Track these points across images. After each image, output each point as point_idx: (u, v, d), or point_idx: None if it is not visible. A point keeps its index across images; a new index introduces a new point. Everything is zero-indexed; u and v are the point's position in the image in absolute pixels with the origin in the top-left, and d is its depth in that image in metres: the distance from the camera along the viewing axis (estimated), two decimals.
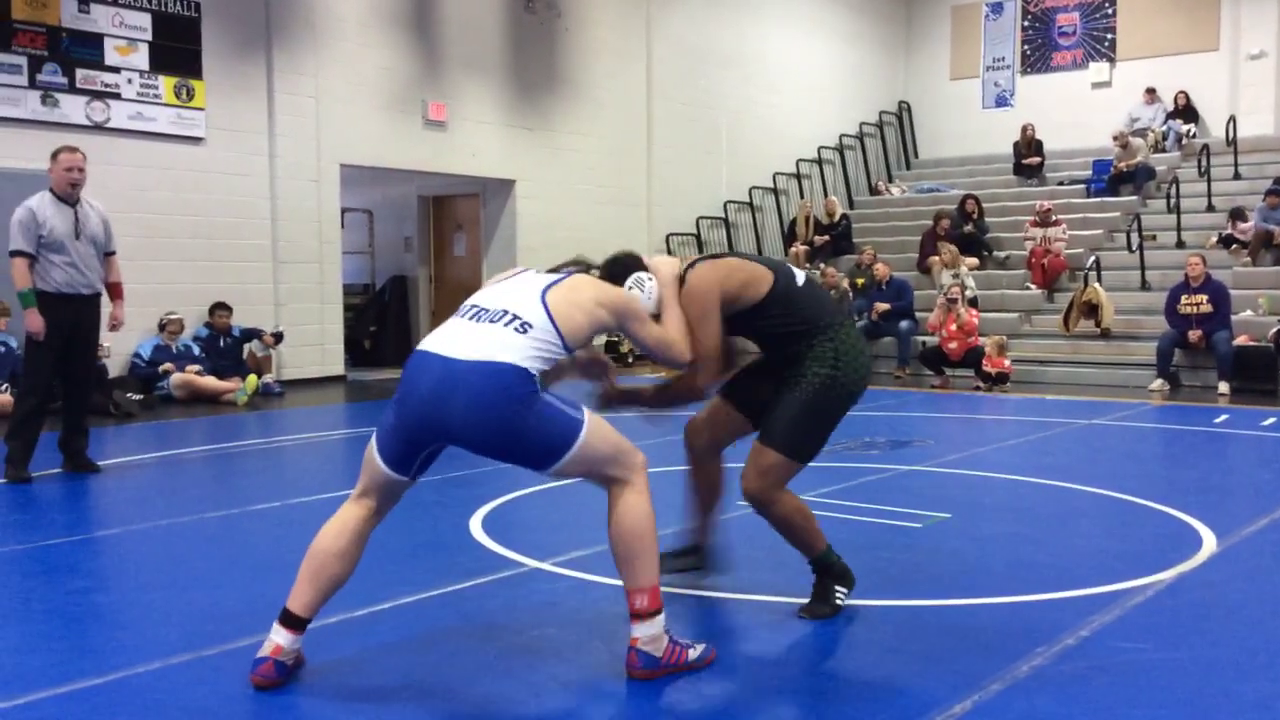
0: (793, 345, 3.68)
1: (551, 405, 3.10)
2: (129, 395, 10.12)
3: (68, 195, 6.61)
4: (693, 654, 3.26)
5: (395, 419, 3.17)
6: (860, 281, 14.05)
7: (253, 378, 11.08)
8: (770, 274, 3.71)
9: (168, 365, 10.73)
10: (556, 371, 3.37)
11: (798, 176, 18.11)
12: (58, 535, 5.22)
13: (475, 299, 3.29)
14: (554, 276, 3.35)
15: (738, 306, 3.66)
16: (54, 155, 6.66)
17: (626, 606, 3.19)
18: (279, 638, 3.15)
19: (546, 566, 4.46)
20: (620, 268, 3.61)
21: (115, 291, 6.95)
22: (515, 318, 3.14)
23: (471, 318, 3.19)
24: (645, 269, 3.64)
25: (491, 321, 3.14)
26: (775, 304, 3.66)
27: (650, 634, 3.17)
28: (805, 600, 3.85)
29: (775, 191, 17.72)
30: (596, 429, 3.14)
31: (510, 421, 3.02)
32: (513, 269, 3.53)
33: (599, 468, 3.17)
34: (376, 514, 3.30)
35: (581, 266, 3.57)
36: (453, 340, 3.13)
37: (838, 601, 3.78)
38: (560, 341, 3.16)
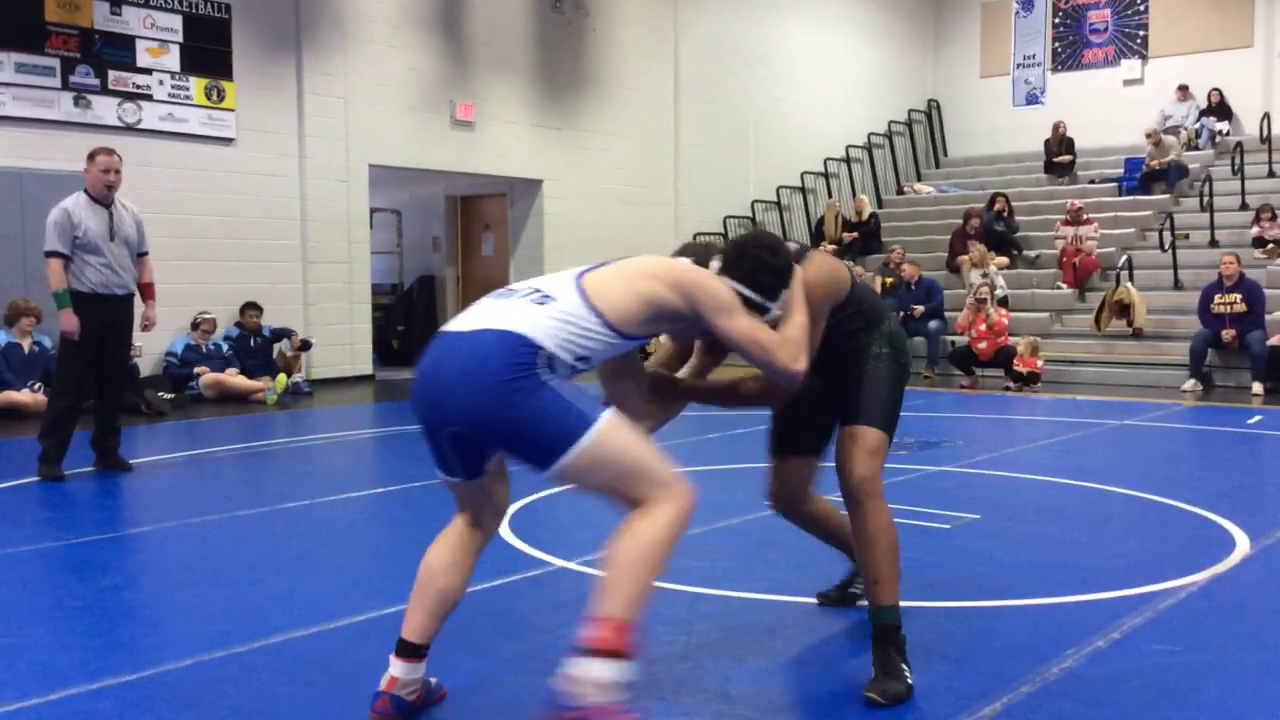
0: (851, 342, 3.42)
1: (561, 389, 2.64)
2: (160, 394, 10.22)
3: (103, 196, 6.68)
4: None
5: (412, 409, 2.85)
6: (889, 281, 13.99)
7: (282, 377, 11.16)
8: (848, 271, 3.53)
9: (203, 369, 10.81)
10: (664, 408, 3.17)
11: (826, 175, 18.05)
12: (90, 533, 5.27)
13: (511, 285, 2.99)
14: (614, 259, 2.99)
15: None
16: (91, 156, 6.72)
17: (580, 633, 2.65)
18: (394, 669, 2.88)
19: (574, 566, 4.46)
20: (740, 258, 3.07)
21: (148, 292, 7.01)
22: (538, 291, 2.79)
23: (498, 296, 2.87)
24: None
25: (510, 296, 2.83)
26: (851, 303, 3.40)
27: (595, 678, 2.51)
28: (829, 589, 3.87)
29: (803, 190, 17.68)
30: (616, 434, 2.65)
31: (499, 398, 2.58)
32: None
33: (619, 485, 2.67)
34: (483, 524, 2.98)
35: (679, 254, 3.16)
36: (469, 317, 2.80)
37: (909, 680, 3.12)
38: (598, 319, 2.72)
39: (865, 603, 3.67)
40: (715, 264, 3.06)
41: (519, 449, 2.67)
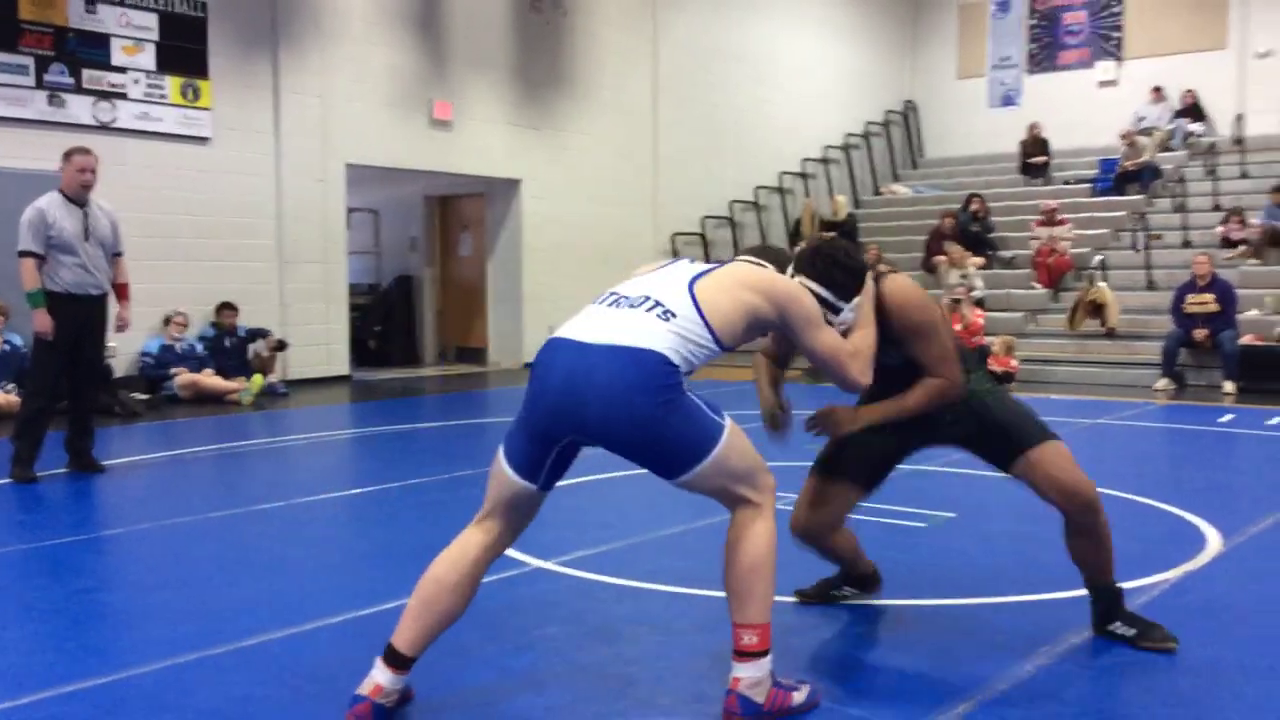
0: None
1: (695, 404, 2.79)
2: (134, 395, 10.15)
3: (78, 196, 6.63)
4: (797, 697, 2.93)
5: (525, 413, 2.86)
6: None
7: (258, 378, 11.10)
8: None
9: (181, 370, 10.73)
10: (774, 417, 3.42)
11: (804, 176, 18.10)
12: (63, 535, 5.24)
13: (617, 287, 2.99)
14: (707, 265, 3.05)
15: None
16: (67, 156, 6.66)
17: (732, 641, 2.89)
18: (380, 676, 2.85)
19: (549, 566, 4.46)
20: (815, 256, 3.24)
21: (122, 293, 6.96)
22: (658, 304, 2.82)
23: (610, 304, 2.89)
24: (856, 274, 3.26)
25: (632, 307, 2.84)
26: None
27: (755, 677, 2.84)
28: (807, 587, 3.90)
29: (781, 191, 17.71)
30: (736, 439, 2.84)
31: (650, 415, 2.70)
32: (664, 260, 3.25)
33: (731, 484, 2.85)
34: (501, 539, 2.97)
35: (757, 256, 3.23)
36: (590, 325, 2.82)
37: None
38: (709, 334, 2.83)
39: (847, 600, 3.77)
40: (789, 270, 3.19)
41: (652, 460, 2.81)
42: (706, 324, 2.82)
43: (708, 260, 14.99)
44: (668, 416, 2.71)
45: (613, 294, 2.94)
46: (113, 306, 6.91)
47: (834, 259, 3.21)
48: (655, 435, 2.72)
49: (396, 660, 2.86)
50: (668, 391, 2.72)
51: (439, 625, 2.90)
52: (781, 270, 3.17)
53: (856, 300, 3.22)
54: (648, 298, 2.85)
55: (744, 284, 2.92)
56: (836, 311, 3.20)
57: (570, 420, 2.76)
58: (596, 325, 2.81)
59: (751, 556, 2.85)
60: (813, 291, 3.15)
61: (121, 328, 7.05)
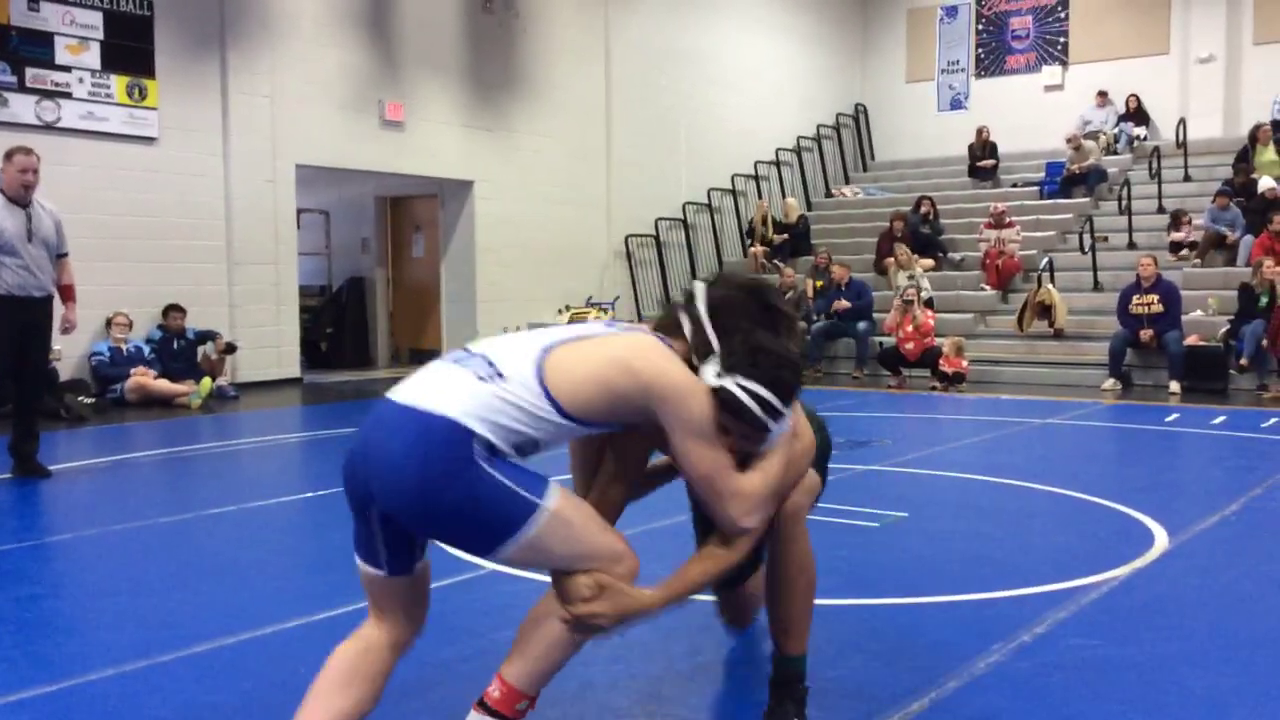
0: None
1: (495, 478, 2.36)
2: (80, 398, 9.99)
3: (20, 197, 6.51)
4: None
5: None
6: (819, 284, 14.13)
7: (207, 380, 10.96)
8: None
9: (140, 370, 10.57)
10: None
11: (756, 178, 18.17)
12: (7, 541, 5.13)
13: (483, 341, 2.62)
14: (617, 330, 2.60)
15: None
16: (8, 156, 6.54)
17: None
18: None
19: (505, 570, 4.44)
20: (768, 360, 2.51)
21: (67, 294, 6.85)
22: (490, 364, 2.45)
23: (452, 360, 2.53)
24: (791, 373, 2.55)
25: (461, 365, 2.48)
26: None
27: None
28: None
29: (734, 193, 17.78)
30: (560, 519, 2.40)
31: (432, 491, 2.33)
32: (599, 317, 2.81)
33: (566, 566, 2.46)
34: (388, 635, 2.55)
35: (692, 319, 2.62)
36: (412, 384, 2.48)
37: None
38: (550, 404, 2.41)
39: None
40: (713, 367, 2.51)
41: (456, 538, 2.46)
42: (546, 392, 2.40)
43: (664, 265, 14.45)
44: (452, 486, 2.32)
45: (465, 350, 2.55)
46: (59, 309, 6.80)
47: (780, 359, 2.51)
48: (443, 506, 2.34)
49: None
50: (451, 461, 2.32)
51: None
52: (699, 353, 2.56)
53: (785, 422, 2.55)
54: (484, 356, 2.47)
55: (617, 360, 2.45)
56: (765, 430, 2.51)
57: (366, 486, 2.42)
58: (419, 387, 2.45)
59: (553, 622, 2.48)
60: (751, 394, 2.47)
61: (68, 330, 6.93)
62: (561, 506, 2.42)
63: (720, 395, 2.47)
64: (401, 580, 2.53)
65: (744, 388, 2.46)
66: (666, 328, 2.66)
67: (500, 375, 2.42)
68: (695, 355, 2.56)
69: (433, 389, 2.42)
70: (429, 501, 2.34)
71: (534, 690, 2.51)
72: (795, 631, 2.90)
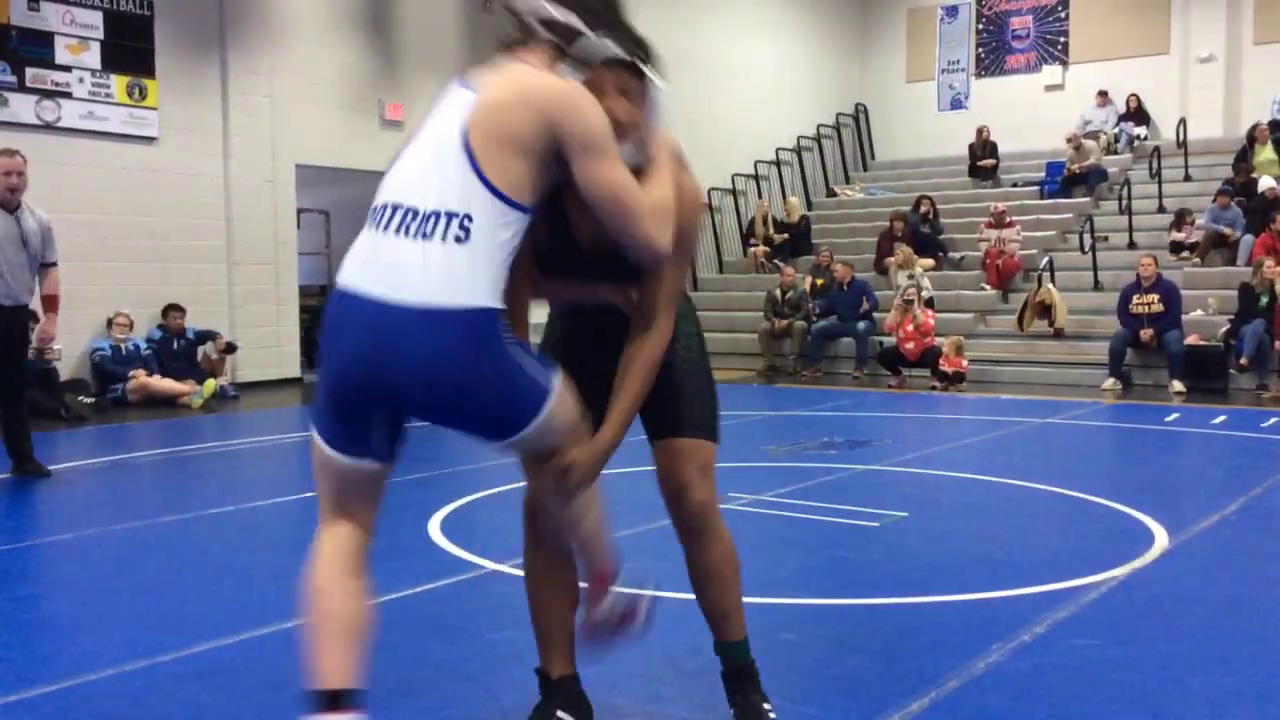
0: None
1: (523, 356, 2.30)
2: (80, 398, 9.99)
3: (6, 201, 6.39)
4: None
5: (323, 384, 2.33)
6: (820, 282, 14.12)
7: (210, 381, 10.96)
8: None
9: (140, 372, 10.56)
10: None
11: (756, 178, 18.17)
12: (7, 541, 5.13)
13: (396, 188, 2.32)
14: (472, 95, 2.31)
15: None
16: None
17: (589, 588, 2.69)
18: None
19: (505, 568, 4.44)
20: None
21: (50, 304, 6.67)
22: (450, 217, 2.22)
23: (397, 228, 2.26)
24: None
25: (425, 237, 2.23)
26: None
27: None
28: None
29: (734, 192, 17.77)
30: (560, 398, 2.37)
31: (473, 380, 2.22)
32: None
33: (551, 444, 2.41)
34: (357, 529, 2.41)
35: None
36: (380, 269, 2.25)
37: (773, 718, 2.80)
38: (510, 204, 2.25)
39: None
40: (564, 67, 2.40)
41: (479, 423, 2.34)
42: (504, 199, 2.24)
43: None
44: (492, 377, 2.24)
45: (395, 208, 2.28)
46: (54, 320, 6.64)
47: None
48: (479, 401, 2.26)
49: (337, 702, 2.23)
50: (493, 351, 2.24)
51: (358, 637, 2.32)
52: (559, 50, 2.42)
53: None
54: (438, 213, 2.23)
55: (506, 101, 2.26)
56: (644, 78, 2.50)
57: (374, 395, 2.26)
58: (389, 270, 2.23)
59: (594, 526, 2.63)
60: (616, 40, 2.41)
61: (44, 342, 6.77)
62: (562, 388, 2.38)
63: (587, 49, 2.39)
64: (386, 466, 2.39)
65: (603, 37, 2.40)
66: (516, 49, 2.47)
67: (471, 218, 2.22)
68: (555, 57, 2.42)
69: (426, 274, 2.20)
70: (474, 392, 2.24)
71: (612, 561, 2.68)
72: (733, 617, 2.82)
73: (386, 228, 2.28)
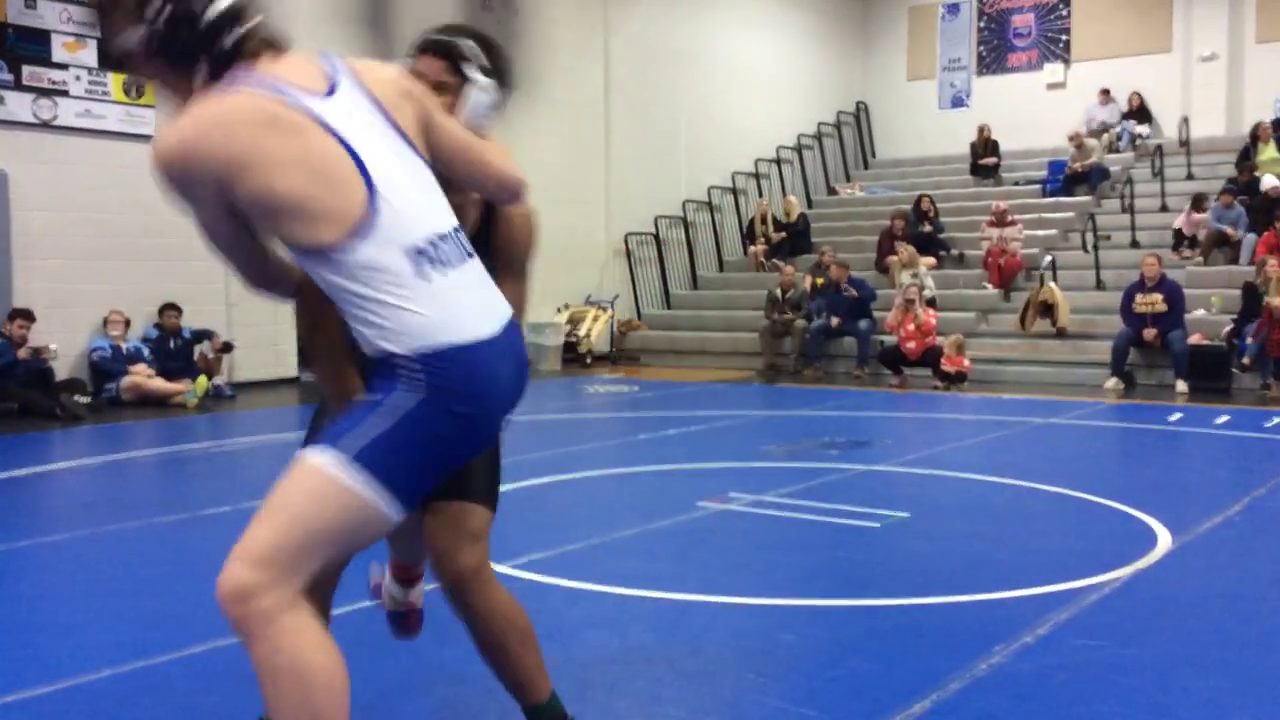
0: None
1: None
2: (76, 397, 9.96)
3: None
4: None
5: (451, 449, 2.11)
6: (820, 281, 14.09)
7: (203, 379, 10.93)
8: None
9: (139, 367, 10.53)
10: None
11: (756, 176, 18.15)
12: (4, 541, 5.10)
13: (421, 216, 2.11)
14: (363, 97, 2.23)
15: None
16: None
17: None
18: None
19: (503, 569, 4.41)
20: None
21: None
22: (457, 229, 2.19)
23: (454, 256, 2.13)
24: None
25: (470, 255, 2.19)
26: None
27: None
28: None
29: (734, 191, 17.75)
30: None
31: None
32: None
33: None
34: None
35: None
36: (482, 304, 2.15)
37: None
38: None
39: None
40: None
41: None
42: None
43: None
44: None
45: (437, 237, 2.12)
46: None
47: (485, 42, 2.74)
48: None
49: None
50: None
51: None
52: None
53: (484, 87, 2.60)
54: (455, 228, 2.18)
55: (419, 130, 2.25)
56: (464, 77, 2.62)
57: (495, 430, 2.21)
58: (488, 300, 2.18)
59: None
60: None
61: None
62: None
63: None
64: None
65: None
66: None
67: (459, 225, 2.20)
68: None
69: (494, 292, 2.21)
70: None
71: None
72: (536, 678, 2.62)
73: (447, 262, 2.11)
